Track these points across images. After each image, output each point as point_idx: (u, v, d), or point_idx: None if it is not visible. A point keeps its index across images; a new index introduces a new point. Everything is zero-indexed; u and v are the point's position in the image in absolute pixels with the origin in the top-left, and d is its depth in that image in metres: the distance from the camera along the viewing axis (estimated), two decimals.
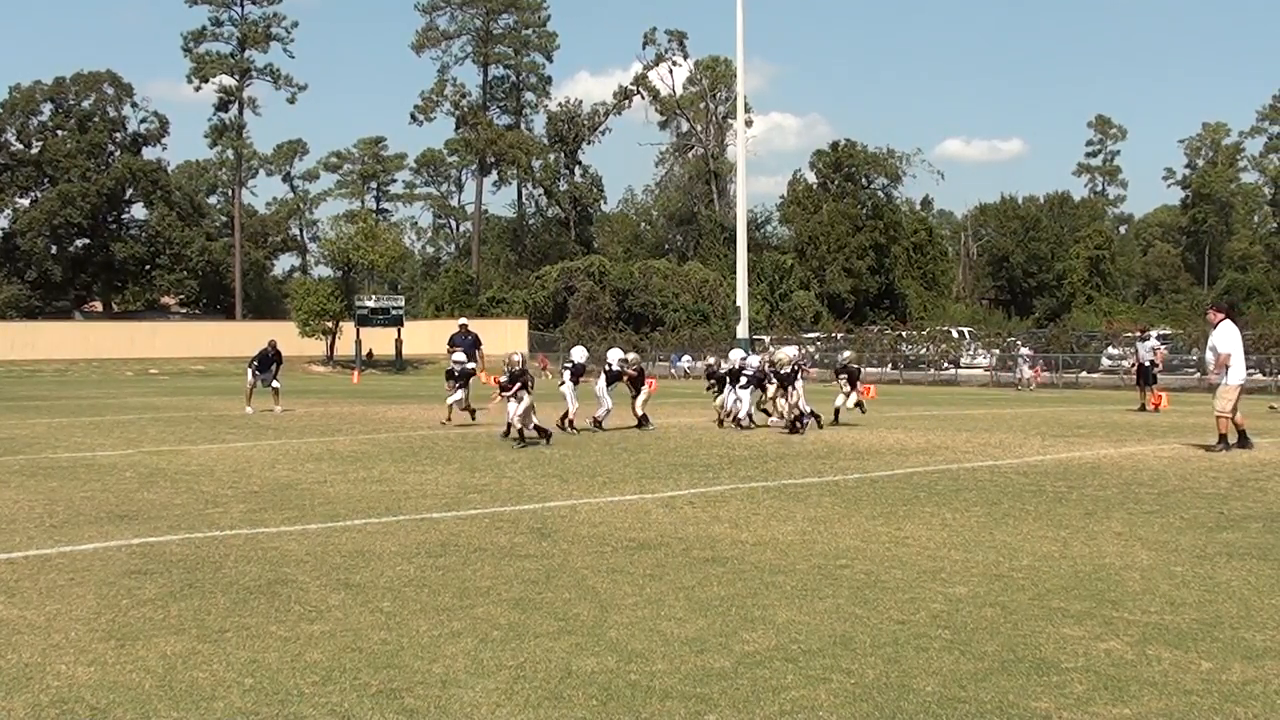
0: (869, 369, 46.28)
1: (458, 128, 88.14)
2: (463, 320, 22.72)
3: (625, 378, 18.64)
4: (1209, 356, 14.47)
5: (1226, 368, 14.07)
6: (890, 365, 49.33)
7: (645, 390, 18.90)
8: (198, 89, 79.65)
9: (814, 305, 76.21)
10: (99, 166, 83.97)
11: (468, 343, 21.09)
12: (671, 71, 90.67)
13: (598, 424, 17.62)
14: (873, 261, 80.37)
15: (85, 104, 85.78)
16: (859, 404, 19.63)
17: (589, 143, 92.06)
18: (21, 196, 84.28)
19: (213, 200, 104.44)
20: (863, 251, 79.85)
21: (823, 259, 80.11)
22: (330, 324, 61.25)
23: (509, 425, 15.28)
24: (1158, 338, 34.16)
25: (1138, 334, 30.32)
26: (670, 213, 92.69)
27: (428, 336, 58.74)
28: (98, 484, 11.10)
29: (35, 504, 9.74)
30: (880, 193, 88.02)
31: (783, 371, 17.55)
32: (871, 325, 64.98)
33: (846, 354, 26.57)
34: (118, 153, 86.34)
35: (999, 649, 5.07)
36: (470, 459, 13.39)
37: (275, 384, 23.12)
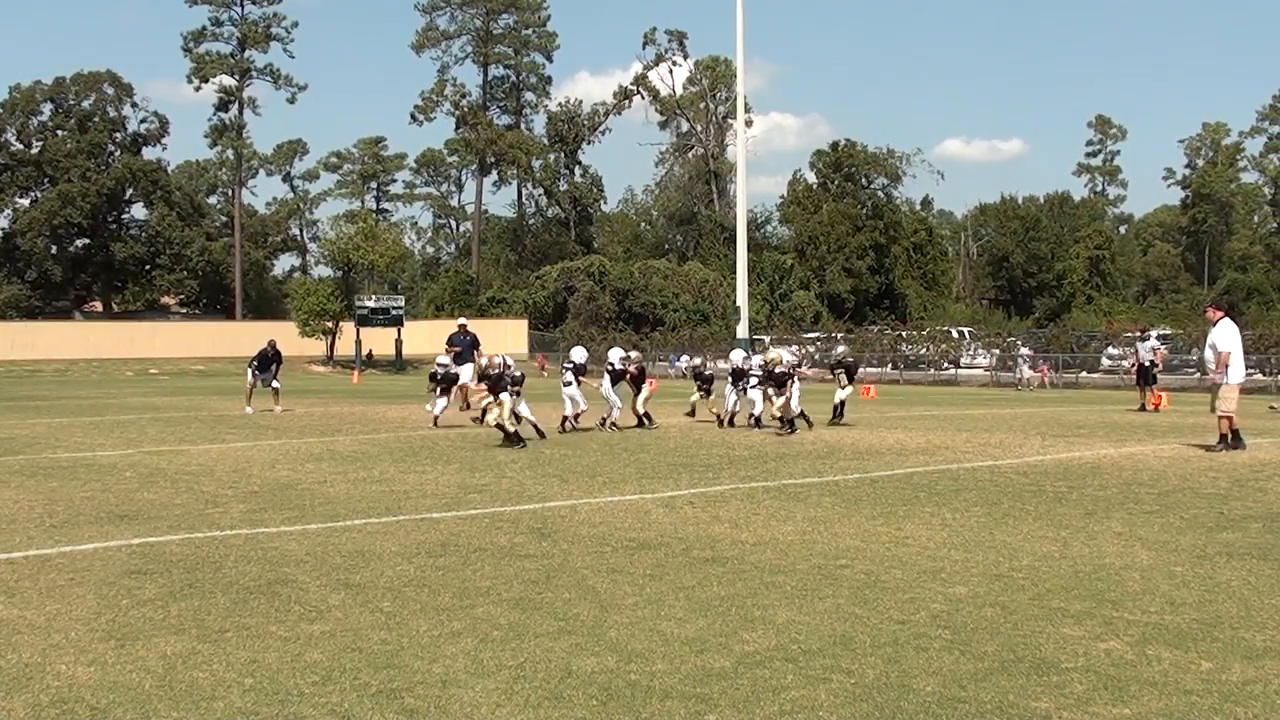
0: (869, 369, 46.31)
1: (458, 128, 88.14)
2: (462, 320, 22.68)
3: (628, 376, 18.63)
4: (1208, 355, 14.45)
5: (1227, 366, 14.06)
6: (890, 365, 49.31)
7: (647, 389, 18.89)
8: (198, 89, 79.70)
9: (814, 305, 76.18)
10: (99, 166, 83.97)
11: (466, 342, 21.08)
12: (671, 71, 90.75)
13: (612, 425, 17.58)
14: (873, 261, 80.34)
15: (85, 104, 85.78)
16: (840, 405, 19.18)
17: (589, 143, 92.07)
18: (21, 196, 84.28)
19: (213, 200, 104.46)
20: (863, 251, 79.82)
21: (823, 259, 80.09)
22: (330, 324, 61.22)
23: (495, 425, 15.25)
24: (1158, 338, 34.16)
25: (1138, 334, 30.31)
26: (670, 213, 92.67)
27: (428, 336, 58.66)
28: (98, 484, 11.10)
29: (35, 504, 9.74)
30: (880, 193, 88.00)
31: (776, 371, 17.43)
32: (871, 325, 64.95)
33: (841, 349, 26.51)
34: (118, 153, 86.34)
35: (999, 649, 5.07)
36: (470, 459, 13.39)
37: (275, 384, 23.12)
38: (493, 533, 8.18)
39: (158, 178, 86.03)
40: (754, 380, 18.09)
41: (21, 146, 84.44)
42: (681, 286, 73.26)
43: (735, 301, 45.24)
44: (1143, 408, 23.87)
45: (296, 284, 73.86)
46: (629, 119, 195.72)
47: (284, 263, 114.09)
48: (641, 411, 18.41)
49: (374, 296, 63.34)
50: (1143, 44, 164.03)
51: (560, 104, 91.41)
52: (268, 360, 23.19)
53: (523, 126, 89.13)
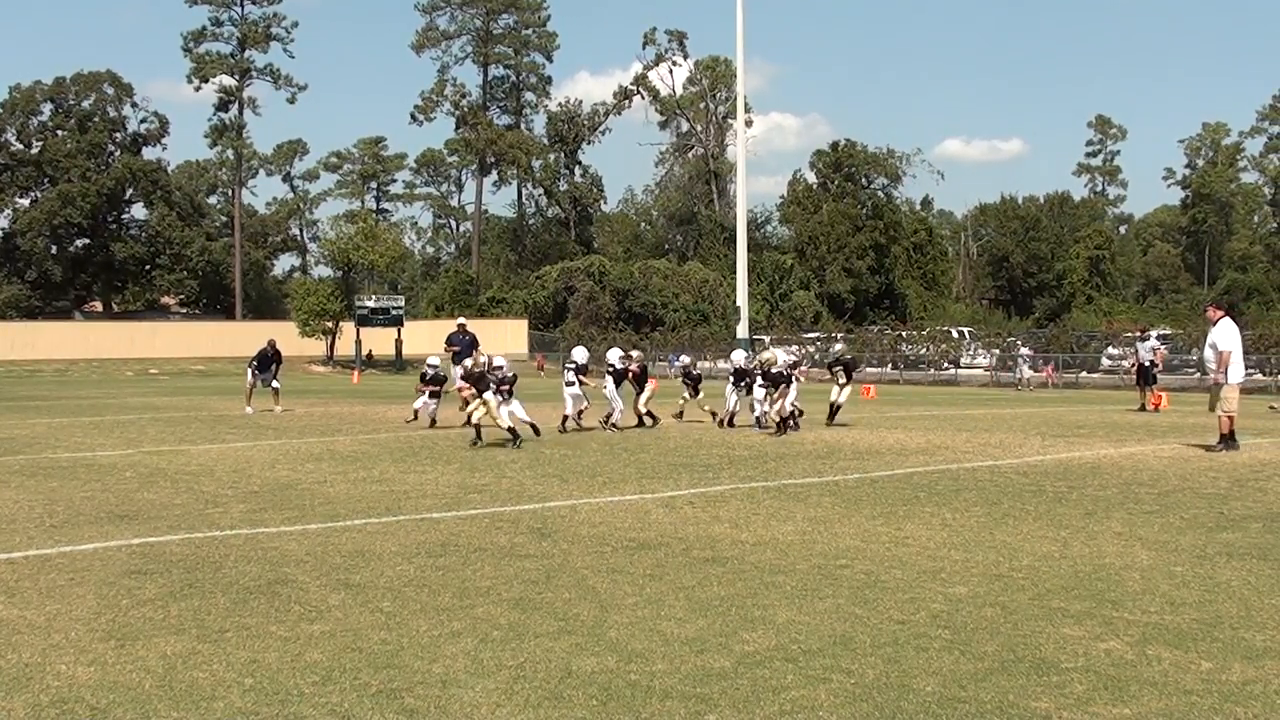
0: (869, 369, 46.30)
1: (458, 128, 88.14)
2: (461, 320, 22.62)
3: (630, 375, 18.60)
4: (1208, 354, 14.42)
5: (1228, 367, 14.05)
6: (890, 365, 49.31)
7: (650, 388, 18.87)
8: (198, 89, 79.70)
9: (814, 305, 76.17)
10: (99, 166, 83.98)
11: (465, 342, 21.04)
12: (671, 71, 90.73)
13: (612, 425, 17.55)
14: (873, 261, 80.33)
15: (85, 104, 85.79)
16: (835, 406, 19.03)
17: (589, 143, 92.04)
18: (21, 196, 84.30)
19: (213, 200, 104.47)
20: (863, 251, 79.81)
21: (823, 259, 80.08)
22: (330, 324, 61.23)
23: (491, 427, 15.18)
24: (1158, 338, 34.16)
25: (1138, 334, 30.31)
26: (670, 213, 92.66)
27: (428, 336, 58.63)
28: (98, 484, 11.10)
29: (35, 504, 9.74)
30: (880, 193, 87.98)
31: (771, 371, 17.36)
32: (871, 325, 64.96)
33: (839, 347, 26.48)
34: (118, 153, 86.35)
35: (999, 649, 5.07)
36: (470, 459, 13.39)
37: (275, 384, 23.11)
38: (493, 533, 8.18)
39: (158, 178, 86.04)
40: (759, 380, 18.03)
41: (21, 146, 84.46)
42: (681, 286, 73.26)
43: (735, 301, 45.25)
44: (1143, 408, 23.87)
45: (296, 284, 73.87)
46: (629, 119, 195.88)
47: (284, 263, 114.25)
48: (644, 411, 18.40)
49: (374, 296, 63.35)
50: (1143, 44, 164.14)
51: (560, 104, 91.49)
52: (267, 360, 23.17)
53: (523, 126, 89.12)
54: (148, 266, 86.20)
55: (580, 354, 18.47)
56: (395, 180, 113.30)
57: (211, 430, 18.22)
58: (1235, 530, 8.22)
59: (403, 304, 64.35)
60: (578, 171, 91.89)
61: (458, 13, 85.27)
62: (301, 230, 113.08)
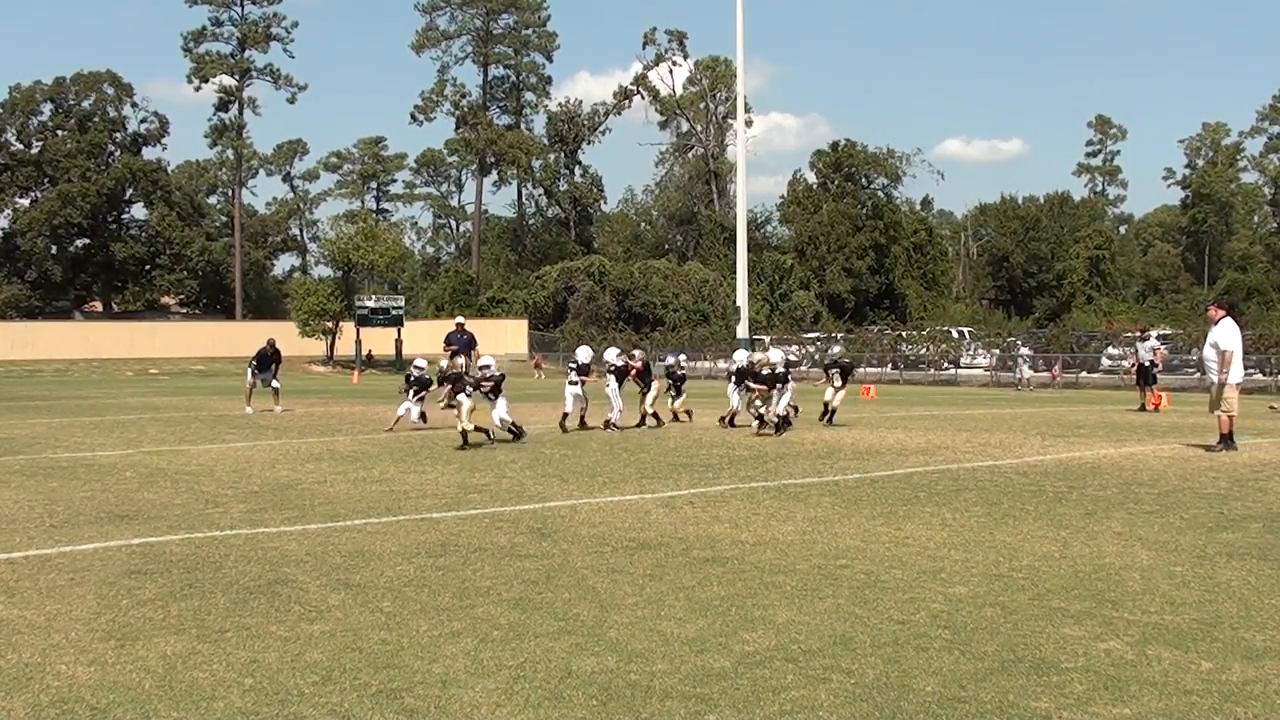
0: (869, 369, 46.31)
1: (458, 128, 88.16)
2: (459, 319, 22.57)
3: (633, 372, 18.56)
4: (1209, 354, 14.39)
5: (1229, 366, 14.03)
6: (890, 365, 49.31)
7: (655, 387, 18.83)
8: (198, 89, 79.74)
9: (814, 305, 76.18)
10: (99, 166, 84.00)
11: (464, 341, 21.05)
12: (671, 71, 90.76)
13: (613, 426, 17.53)
14: (873, 261, 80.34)
15: (85, 104, 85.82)
16: (826, 408, 18.96)
17: (589, 143, 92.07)
18: (21, 196, 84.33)
19: (213, 200, 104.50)
20: (863, 251, 79.82)
21: (823, 259, 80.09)
22: (330, 324, 61.25)
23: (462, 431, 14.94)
24: (1158, 338, 34.15)
25: (1138, 334, 30.31)
26: (670, 213, 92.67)
27: (428, 336, 58.66)
28: (98, 484, 11.10)
29: (35, 504, 9.74)
30: (880, 193, 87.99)
31: (764, 372, 17.29)
32: (871, 325, 64.96)
33: (837, 349, 26.41)
34: (118, 153, 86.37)
35: (999, 649, 5.07)
36: (470, 459, 13.39)
37: (275, 384, 23.10)
38: (493, 533, 8.18)
39: (158, 178, 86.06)
40: (746, 381, 18.04)
41: (21, 146, 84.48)
42: (681, 286, 73.27)
43: (735, 301, 45.25)
44: (1143, 408, 23.87)
45: (296, 284, 73.90)
46: (629, 119, 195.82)
47: (284, 263, 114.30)
48: (649, 410, 18.38)
49: (374, 296, 63.38)
50: (1143, 44, 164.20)
51: (560, 104, 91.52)
52: (267, 360, 23.16)
53: (523, 126, 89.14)
54: (148, 266, 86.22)
55: (584, 354, 18.48)
56: (395, 180, 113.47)
57: (211, 430, 18.22)
58: (1235, 530, 8.22)
59: (403, 304, 64.39)
60: (578, 171, 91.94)
61: (458, 13, 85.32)
62: (301, 230, 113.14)
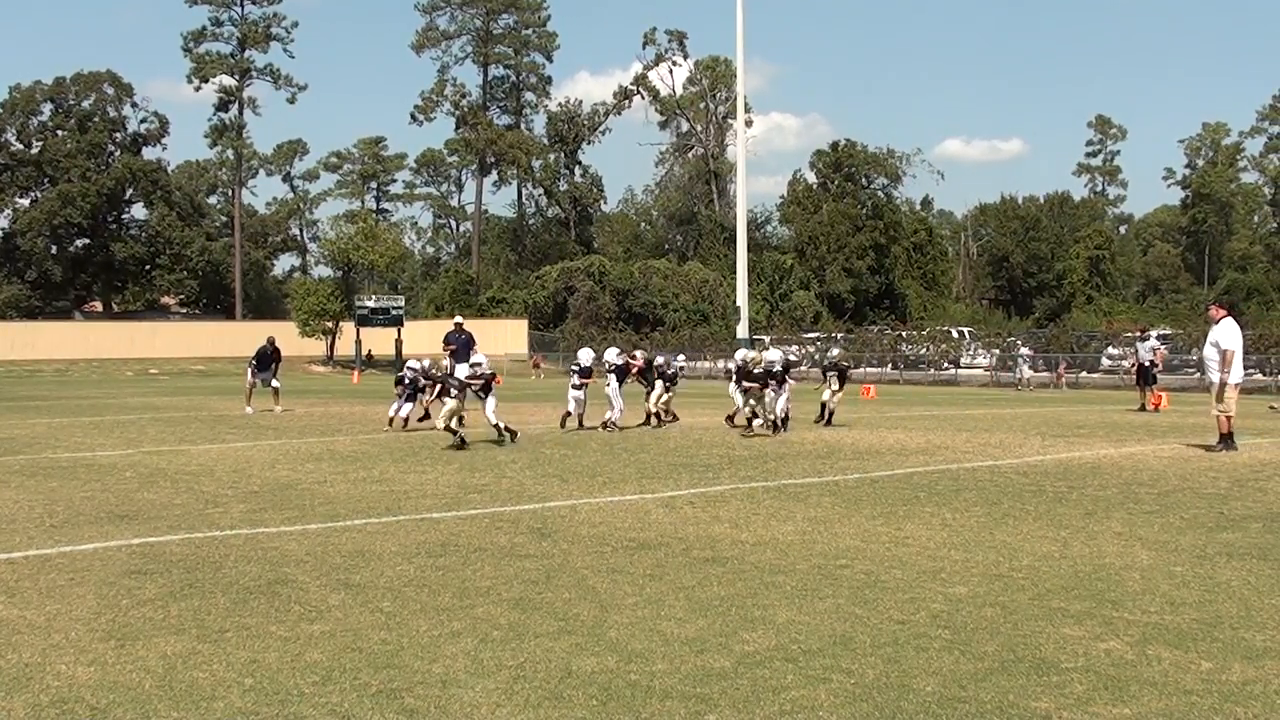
0: (869, 369, 46.32)
1: (458, 128, 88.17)
2: (458, 319, 22.52)
3: (634, 371, 18.54)
4: (1210, 353, 14.37)
5: (1230, 366, 14.02)
6: (890, 365, 49.31)
7: (660, 386, 18.82)
8: (198, 89, 79.77)
9: (814, 305, 76.20)
10: (99, 166, 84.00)
11: (462, 341, 21.00)
12: (671, 71, 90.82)
13: (613, 425, 17.52)
14: (873, 261, 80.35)
15: (85, 104, 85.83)
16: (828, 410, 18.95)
17: (589, 143, 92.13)
18: (21, 196, 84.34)
19: (213, 200, 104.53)
20: (863, 251, 79.83)
21: (823, 259, 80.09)
22: (330, 324, 61.27)
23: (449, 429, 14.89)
24: (1158, 338, 34.16)
25: (1138, 334, 30.31)
26: (670, 213, 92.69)
27: (428, 336, 58.63)
28: (98, 484, 11.10)
29: (35, 504, 9.74)
30: (880, 193, 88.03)
31: (755, 372, 17.24)
32: (871, 325, 64.96)
33: (835, 351, 26.42)
34: (118, 153, 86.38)
35: (999, 649, 5.07)
36: (470, 459, 13.39)
37: (275, 383, 23.10)
38: (493, 533, 8.17)
39: (158, 178, 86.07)
40: (773, 382, 17.90)
41: (21, 146, 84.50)
42: (681, 286, 73.28)
43: (735, 301, 45.26)
44: (1143, 408, 23.87)
45: (296, 284, 73.92)
46: (629, 119, 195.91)
47: (284, 263, 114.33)
48: (653, 410, 18.38)
49: (374, 296, 63.39)
50: (1143, 44, 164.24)
51: (560, 104, 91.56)
52: (267, 358, 23.14)
53: (523, 126, 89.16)
54: (148, 266, 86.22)
55: (586, 356, 18.49)
56: (395, 180, 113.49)
57: (211, 430, 18.22)
58: (1235, 530, 8.21)
59: (403, 304, 64.40)
60: (578, 171, 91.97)
61: (458, 13, 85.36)
62: (301, 230, 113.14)
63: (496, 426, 15.19)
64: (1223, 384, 14.01)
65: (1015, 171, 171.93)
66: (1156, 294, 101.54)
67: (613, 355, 18.89)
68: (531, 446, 14.91)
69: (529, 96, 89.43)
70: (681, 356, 22.43)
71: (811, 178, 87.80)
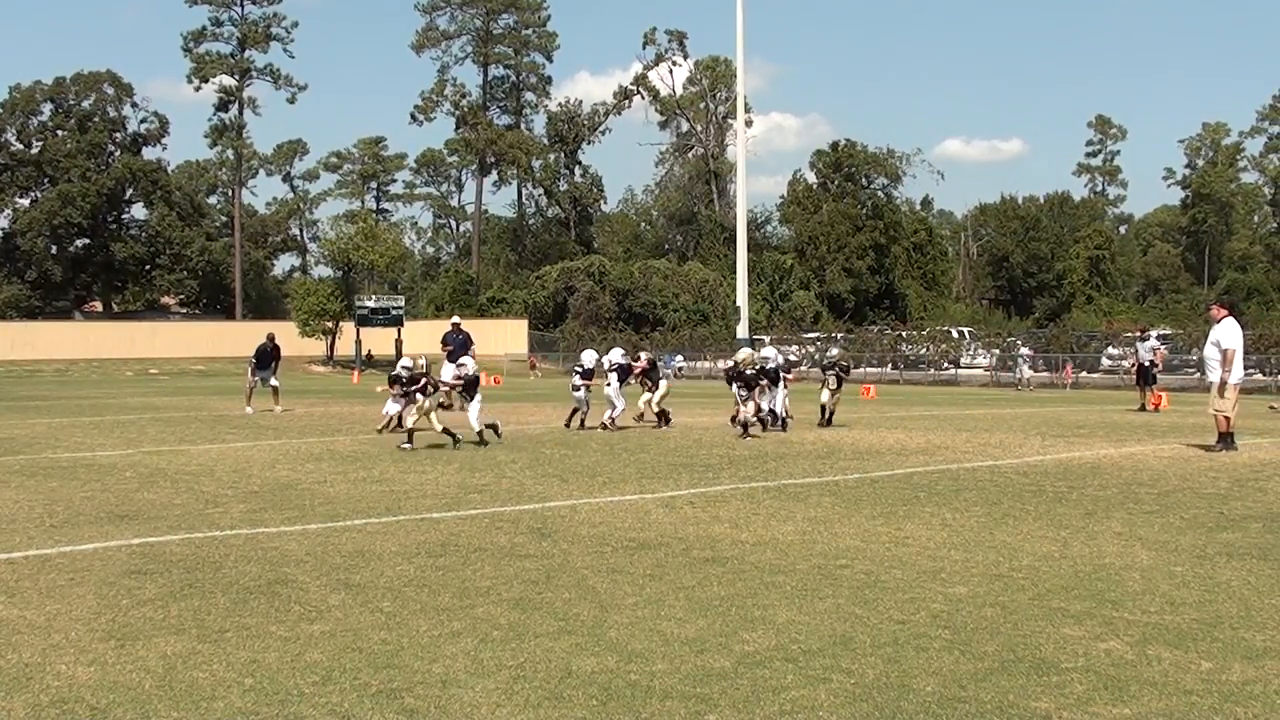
0: (869, 369, 46.31)
1: (458, 128, 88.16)
2: (455, 319, 22.51)
3: (638, 373, 18.54)
4: (1210, 352, 14.37)
5: (1231, 365, 14.02)
6: (890, 365, 49.31)
7: (664, 385, 18.82)
8: (198, 89, 79.76)
9: (814, 305, 76.19)
10: (99, 166, 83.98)
11: (459, 341, 21.01)
12: (671, 71, 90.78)
13: (613, 425, 17.52)
14: (873, 261, 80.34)
15: (85, 104, 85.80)
16: (823, 410, 18.87)
17: (589, 143, 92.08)
18: (21, 196, 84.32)
19: (213, 200, 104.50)
20: (863, 251, 79.82)
21: (823, 259, 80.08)
22: (330, 324, 61.26)
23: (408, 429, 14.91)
24: (1158, 338, 34.16)
25: (1138, 334, 30.31)
26: (670, 213, 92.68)
27: (428, 336, 58.56)
28: (98, 484, 11.10)
29: (35, 504, 9.74)
30: (880, 193, 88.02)
31: (747, 372, 17.22)
32: (871, 325, 64.95)
33: (835, 352, 26.42)
34: (118, 153, 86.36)
35: (999, 649, 5.07)
36: (470, 459, 13.40)
37: (274, 382, 23.08)
38: (493, 533, 8.18)
39: (158, 178, 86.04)
40: (765, 381, 17.93)
41: (21, 146, 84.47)
42: (681, 286, 73.26)
43: (735, 301, 45.27)
44: (1143, 408, 23.88)
45: (296, 284, 73.91)
46: (629, 119, 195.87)
47: (284, 263, 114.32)
48: (656, 410, 18.38)
49: (374, 296, 63.37)
50: (1143, 44, 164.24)
51: (560, 104, 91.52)
52: (267, 357, 23.11)
53: (523, 126, 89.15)
54: (148, 266, 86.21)
55: (588, 358, 18.53)
56: (395, 180, 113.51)
57: (211, 430, 18.22)
58: (1235, 530, 8.22)
59: (403, 304, 64.38)
60: (578, 171, 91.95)
61: (458, 13, 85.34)
62: (301, 230, 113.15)
63: (480, 432, 15.13)
64: (1222, 383, 14.01)
65: (1015, 171, 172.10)
66: (1156, 294, 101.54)
67: (617, 355, 18.91)
68: (531, 446, 14.91)
69: (529, 96, 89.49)
70: (680, 356, 22.41)
71: (811, 178, 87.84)
